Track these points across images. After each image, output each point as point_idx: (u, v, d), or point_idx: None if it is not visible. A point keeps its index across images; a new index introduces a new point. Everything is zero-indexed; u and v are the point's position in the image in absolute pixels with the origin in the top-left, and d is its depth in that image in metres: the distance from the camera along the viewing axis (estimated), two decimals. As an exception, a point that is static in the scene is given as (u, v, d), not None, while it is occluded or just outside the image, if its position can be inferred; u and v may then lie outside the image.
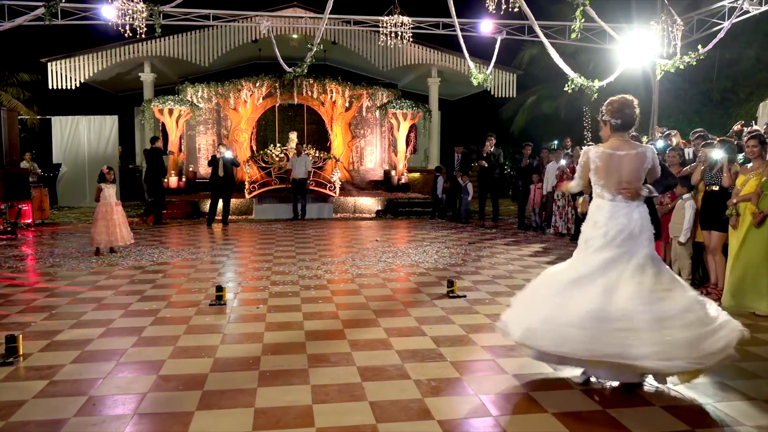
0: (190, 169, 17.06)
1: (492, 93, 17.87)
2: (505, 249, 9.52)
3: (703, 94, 19.14)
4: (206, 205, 13.57)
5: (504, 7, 9.80)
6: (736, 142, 6.70)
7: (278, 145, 16.43)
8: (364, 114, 18.17)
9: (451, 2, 10.89)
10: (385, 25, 11.98)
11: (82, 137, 16.88)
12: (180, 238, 10.74)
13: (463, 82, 16.45)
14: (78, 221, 13.49)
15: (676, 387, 3.73)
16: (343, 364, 4.19)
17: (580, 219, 10.20)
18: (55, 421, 3.29)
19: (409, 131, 17.81)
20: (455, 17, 11.38)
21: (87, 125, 16.90)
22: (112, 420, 3.31)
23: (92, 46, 16.38)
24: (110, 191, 8.90)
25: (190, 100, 16.69)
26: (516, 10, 10.12)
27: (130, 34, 10.74)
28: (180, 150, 16.74)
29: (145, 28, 10.79)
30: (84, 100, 19.99)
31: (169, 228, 12.29)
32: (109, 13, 10.80)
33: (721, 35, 10.45)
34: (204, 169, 16.71)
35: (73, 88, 16.44)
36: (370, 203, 14.98)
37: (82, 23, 12.55)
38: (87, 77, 16.50)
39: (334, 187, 15.04)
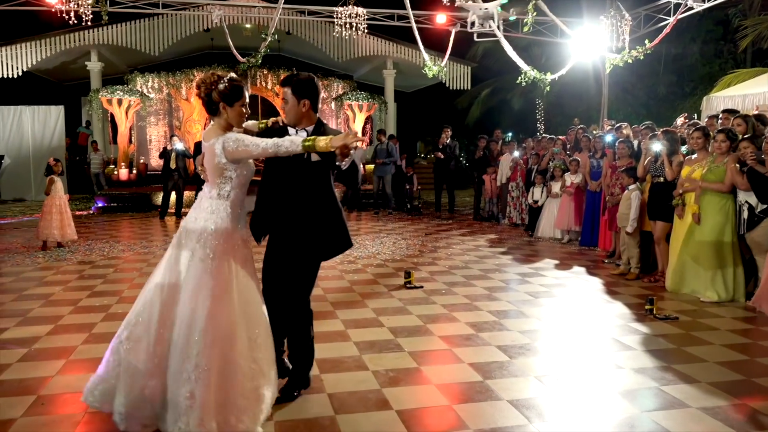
0: (141, 161, 16.63)
1: (447, 85, 18.00)
2: (461, 240, 9.63)
3: (650, 88, 19.74)
4: (158, 198, 13.27)
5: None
6: (679, 134, 6.93)
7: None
8: (319, 105, 17.99)
9: (406, -6, 10.89)
10: (339, 15, 11.91)
11: (25, 128, 16.22)
12: (132, 232, 10.48)
13: (418, 74, 16.48)
14: (23, 215, 13.01)
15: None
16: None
17: (533, 209, 10.40)
18: (2, 422, 3.17)
19: (365, 123, 17.78)
20: (410, 9, 11.39)
21: (31, 115, 16.24)
22: (63, 419, 3.22)
23: (35, 34, 15.73)
24: (59, 183, 8.65)
25: (140, 90, 16.24)
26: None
27: (75, 22, 10.38)
28: (130, 141, 16.31)
29: (91, 15, 10.45)
30: (27, 90, 19.20)
31: (119, 222, 11.97)
32: (53, -1, 10.41)
33: (666, 30, 10.78)
34: (155, 161, 16.31)
35: (16, 76, 15.78)
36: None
37: (24, 9, 12.05)
38: (30, 65, 15.84)
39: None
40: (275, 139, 3.05)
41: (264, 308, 3.22)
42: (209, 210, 3.11)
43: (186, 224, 3.15)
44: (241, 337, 3.01)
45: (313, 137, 2.98)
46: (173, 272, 3.07)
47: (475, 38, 11.01)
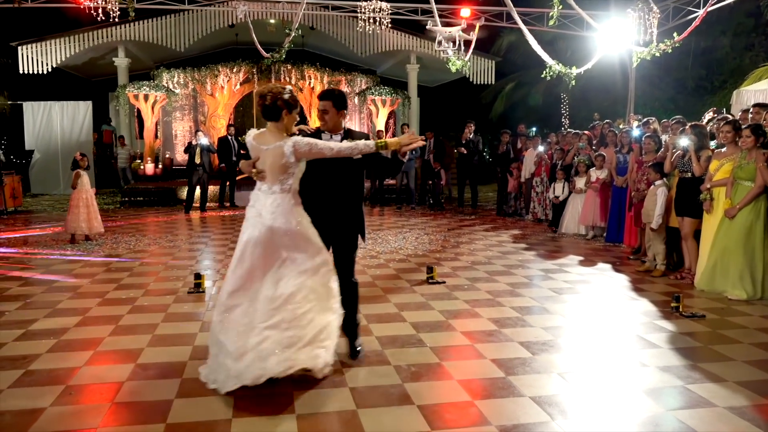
0: (167, 155, 16.84)
1: (471, 80, 17.88)
2: (483, 235, 9.58)
3: (678, 81, 19.36)
4: (183, 192, 13.43)
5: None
6: (708, 129, 6.80)
7: (256, 131, 16.26)
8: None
9: (430, -12, 10.86)
10: (363, 10, 11.90)
11: (55, 123, 16.52)
12: (157, 226, 10.62)
13: (441, 69, 16.38)
14: (52, 209, 13.27)
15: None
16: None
17: (556, 205, 10.31)
18: (32, 410, 3.25)
19: (388, 118, 17.75)
20: (434, 3, 11.33)
21: (60, 111, 16.53)
22: (90, 409, 3.28)
23: (64, 30, 15.99)
24: (86, 178, 8.81)
25: (166, 85, 16.42)
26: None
27: (103, 18, 10.53)
28: (156, 136, 16.51)
29: (118, 12, 10.58)
30: (57, 86, 19.53)
31: (145, 216, 12.14)
32: (81, -4, 10.56)
33: (696, 23, 10.54)
34: (181, 156, 16.50)
35: (45, 72, 16.06)
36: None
37: (53, 6, 12.26)
38: (59, 62, 16.12)
39: (313, 174, 14.95)
40: (350, 142, 3.67)
41: None
42: (275, 204, 3.57)
43: (265, 222, 3.55)
44: None
45: (383, 139, 3.67)
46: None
47: (441, 53, 12.21)
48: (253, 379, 3.38)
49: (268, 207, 3.58)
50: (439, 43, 11.70)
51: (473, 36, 11.93)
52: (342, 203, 3.99)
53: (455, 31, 11.36)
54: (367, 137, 3.84)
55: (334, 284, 3.74)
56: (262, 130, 3.75)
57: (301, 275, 3.56)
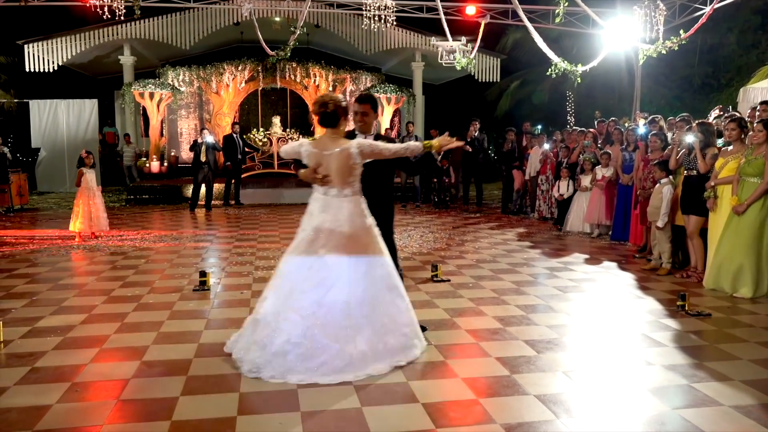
0: (172, 153, 16.88)
1: (476, 77, 17.84)
2: (488, 233, 9.57)
3: (684, 79, 19.27)
4: (189, 190, 13.46)
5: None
6: (714, 127, 6.76)
7: (261, 129, 16.31)
8: (348, 98, 18.07)
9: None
10: (368, 8, 11.88)
11: (60, 121, 16.58)
12: (162, 224, 10.65)
13: (446, 67, 16.38)
14: (58, 207, 13.32)
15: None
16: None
17: (562, 203, 10.29)
18: (38, 407, 3.26)
19: (393, 116, 17.75)
20: (439, 1, 11.32)
21: (66, 109, 16.59)
22: (96, 406, 3.30)
23: (70, 28, 16.03)
24: (91, 176, 8.83)
25: (171, 83, 16.46)
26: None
27: (109, 16, 10.55)
28: (161, 134, 16.55)
29: (123, 10, 10.60)
30: (62, 84, 19.57)
31: (150, 213, 12.18)
32: (87, -6, 10.58)
33: (703, 20, 10.49)
34: (186, 154, 16.54)
35: (51, 71, 16.11)
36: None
37: (59, 4, 12.29)
38: (65, 60, 16.17)
39: (318, 172, 14.96)
40: (403, 144, 4.07)
41: None
42: (350, 209, 3.84)
43: (335, 227, 3.79)
44: None
45: (429, 141, 4.05)
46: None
47: (443, 64, 13.25)
48: None
49: (345, 211, 3.82)
50: (442, 56, 12.60)
51: (474, 49, 12.70)
52: (377, 200, 4.19)
53: (456, 45, 12.47)
54: (393, 141, 4.26)
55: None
56: (315, 137, 3.98)
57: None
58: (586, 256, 7.69)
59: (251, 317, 3.94)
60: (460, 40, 12.49)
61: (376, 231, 3.96)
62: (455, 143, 4.08)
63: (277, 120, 16.54)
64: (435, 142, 4.01)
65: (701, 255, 6.30)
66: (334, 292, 3.70)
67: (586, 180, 9.45)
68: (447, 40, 12.64)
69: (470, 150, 13.09)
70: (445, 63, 12.88)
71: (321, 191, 3.87)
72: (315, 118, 3.95)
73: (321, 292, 3.70)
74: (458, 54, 12.50)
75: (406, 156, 4.02)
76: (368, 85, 17.51)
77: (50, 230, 9.74)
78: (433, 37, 12.73)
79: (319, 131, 4.39)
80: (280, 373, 3.57)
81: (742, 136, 5.94)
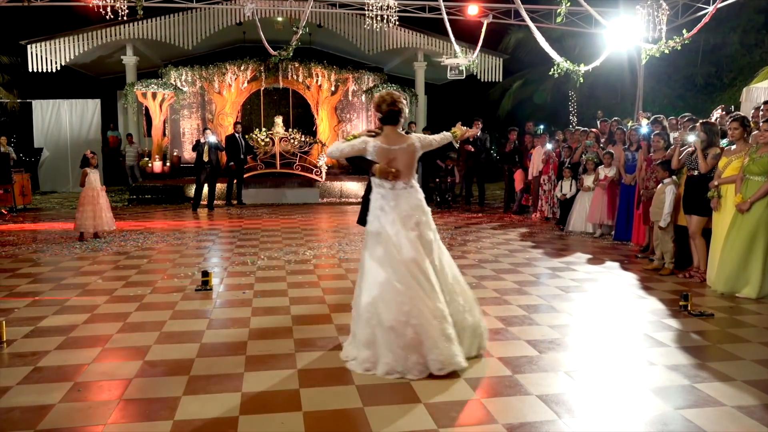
0: (175, 153, 16.90)
1: (478, 77, 17.83)
2: (491, 233, 9.57)
3: (687, 79, 19.23)
4: (191, 190, 13.48)
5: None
6: (719, 126, 6.74)
7: (264, 129, 16.32)
8: (350, 98, 18.07)
9: (437, -15, 10.87)
10: (370, 8, 11.88)
11: (63, 121, 16.62)
12: (165, 224, 10.67)
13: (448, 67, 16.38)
14: (61, 206, 13.35)
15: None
16: (330, 348, 4.21)
17: (564, 203, 10.27)
18: (40, 407, 3.27)
19: (396, 115, 17.73)
20: (441, 0, 11.32)
21: (69, 109, 16.63)
22: (98, 406, 3.30)
23: (73, 29, 16.06)
24: (95, 176, 8.85)
25: (174, 83, 16.47)
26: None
27: (112, 16, 10.56)
28: (164, 134, 16.57)
29: (126, 10, 10.61)
30: (65, 84, 19.62)
31: (153, 213, 12.20)
32: (89, -6, 10.60)
33: (705, 20, 10.46)
34: (188, 154, 16.56)
35: (54, 71, 16.14)
36: (356, 188, 14.93)
37: (62, 4, 12.30)
38: (68, 60, 16.21)
39: (321, 172, 14.97)
40: (440, 135, 4.31)
41: None
42: (418, 197, 4.02)
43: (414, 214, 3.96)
44: None
45: (455, 131, 4.35)
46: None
47: (449, 77, 14.67)
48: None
49: (414, 201, 3.98)
50: (448, 72, 13.64)
51: (475, 58, 13.33)
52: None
53: (460, 60, 13.31)
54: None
55: None
56: (381, 134, 4.07)
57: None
58: (589, 256, 7.68)
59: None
60: (466, 55, 13.20)
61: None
62: (471, 131, 4.51)
63: (279, 120, 16.54)
64: (457, 131, 4.36)
65: (704, 255, 6.28)
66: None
67: (588, 180, 9.44)
68: (450, 41, 12.73)
69: (473, 149, 13.08)
70: (451, 77, 13.87)
71: (388, 186, 3.97)
72: (378, 116, 4.10)
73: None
74: (463, 67, 13.35)
75: (441, 145, 4.33)
76: (370, 85, 17.51)
77: (53, 230, 9.75)
78: (444, 57, 13.69)
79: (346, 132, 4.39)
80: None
81: (745, 135, 5.93)
